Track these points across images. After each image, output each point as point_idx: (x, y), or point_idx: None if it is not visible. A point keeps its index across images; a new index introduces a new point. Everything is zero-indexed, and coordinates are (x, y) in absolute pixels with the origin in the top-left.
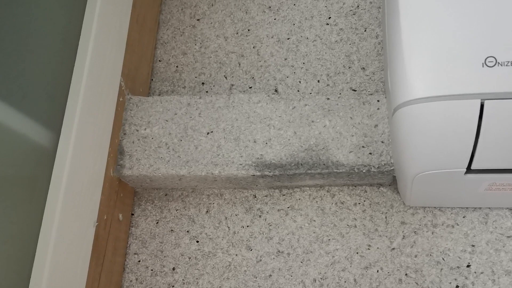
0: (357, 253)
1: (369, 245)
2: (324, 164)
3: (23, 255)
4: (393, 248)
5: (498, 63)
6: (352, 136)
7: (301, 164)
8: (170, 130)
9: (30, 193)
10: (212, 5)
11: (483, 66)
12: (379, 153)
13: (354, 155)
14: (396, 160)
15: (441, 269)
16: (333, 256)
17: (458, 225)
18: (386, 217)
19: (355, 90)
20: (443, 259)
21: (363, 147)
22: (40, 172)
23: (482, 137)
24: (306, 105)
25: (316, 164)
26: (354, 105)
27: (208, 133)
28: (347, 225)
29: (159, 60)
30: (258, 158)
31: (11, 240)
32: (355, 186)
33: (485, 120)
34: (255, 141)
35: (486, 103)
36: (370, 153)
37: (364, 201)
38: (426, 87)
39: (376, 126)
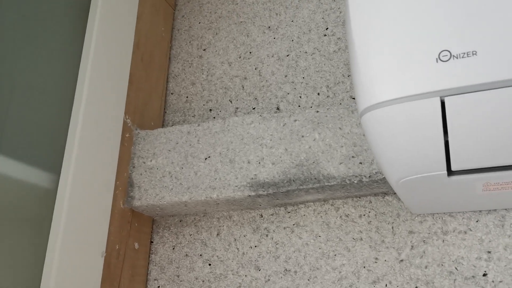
0: (364, 267)
1: (376, 258)
2: (315, 178)
3: (29, 284)
4: (402, 260)
5: (453, 56)
6: (342, 147)
7: (293, 180)
8: (172, 159)
9: (34, 232)
10: (217, 33)
11: (437, 62)
12: (370, 162)
13: (345, 166)
14: (379, 168)
15: (455, 279)
16: (340, 272)
17: (471, 230)
18: (393, 227)
19: (354, 98)
20: (456, 268)
21: (353, 157)
22: (43, 211)
23: (451, 135)
24: (296, 120)
25: (307, 179)
26: (343, 115)
27: (206, 158)
28: (353, 238)
29: (171, 93)
30: (252, 178)
31: (16, 275)
32: (359, 198)
33: (450, 117)
34: (249, 162)
35: (446, 99)
36: (361, 163)
37: (369, 212)
38: (384, 90)
39: (365, 134)
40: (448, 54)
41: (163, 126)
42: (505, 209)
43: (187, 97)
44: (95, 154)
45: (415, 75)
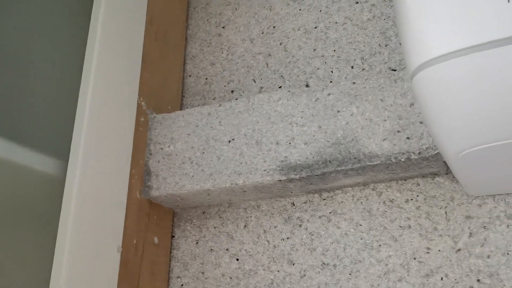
0: (415, 258)
1: (429, 248)
2: (355, 158)
3: (38, 282)
4: (459, 249)
5: None
6: (385, 120)
7: (330, 161)
8: (192, 143)
9: (42, 224)
10: (236, 9)
11: (509, 1)
12: (419, 136)
13: (389, 142)
14: (434, 140)
15: None
16: (386, 265)
17: None
18: (446, 213)
19: (394, 70)
20: None
21: (398, 131)
22: (51, 201)
23: None
24: (329, 94)
25: (346, 159)
26: (384, 85)
27: (229, 141)
28: (400, 226)
29: (189, 75)
30: (282, 161)
31: (25, 268)
32: (405, 180)
33: None
34: (277, 143)
35: None
36: (408, 138)
37: (417, 196)
38: (444, 42)
39: (411, 105)
40: None
41: (181, 109)
42: None
43: (206, 78)
44: (106, 139)
45: (483, 21)
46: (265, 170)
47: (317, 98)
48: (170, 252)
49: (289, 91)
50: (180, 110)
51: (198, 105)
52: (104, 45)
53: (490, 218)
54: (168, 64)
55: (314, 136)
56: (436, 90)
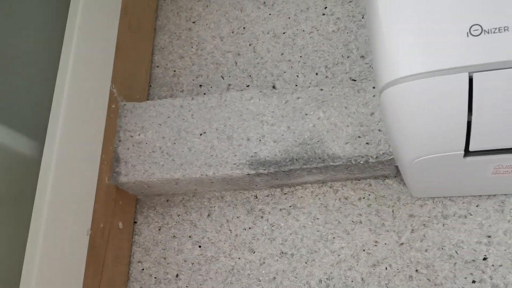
0: (364, 250)
1: (376, 241)
2: (319, 158)
3: (10, 268)
4: (402, 243)
5: (484, 31)
6: (348, 126)
7: (296, 160)
8: (163, 134)
9: (16, 203)
10: (207, 6)
11: (468, 36)
12: (377, 142)
13: (351, 146)
14: (392, 147)
15: (455, 263)
16: (339, 255)
17: (471, 215)
18: (393, 211)
19: (354, 80)
20: (456, 252)
21: (359, 137)
22: (26, 182)
23: (475, 113)
24: (299, 97)
25: (311, 158)
26: (348, 94)
27: (201, 134)
28: (352, 221)
29: (157, 66)
30: (252, 156)
31: None
32: (359, 180)
33: (476, 94)
34: (248, 139)
35: (474, 76)
36: (367, 143)
37: (369, 195)
38: (409, 64)
39: (372, 114)
40: (480, 28)
41: (147, 99)
42: (505, 194)
43: (174, 71)
44: (81, 123)
45: (444, 50)
46: (235, 164)
47: (287, 101)
48: (132, 238)
49: (260, 91)
50: (147, 99)
51: (166, 96)
52: (83, 30)
53: (429, 217)
54: (138, 54)
55: (283, 135)
56: (399, 105)
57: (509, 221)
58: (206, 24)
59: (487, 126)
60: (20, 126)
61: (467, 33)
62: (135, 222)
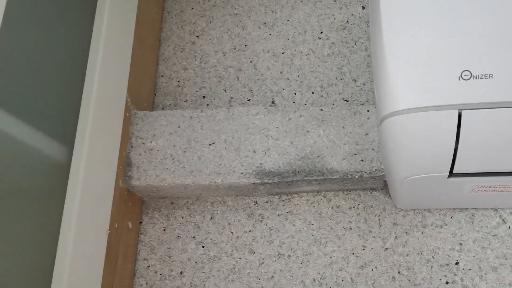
0: (353, 253)
1: (364, 246)
2: (319, 171)
3: (43, 265)
4: (386, 248)
5: (473, 76)
6: (345, 144)
7: (298, 172)
8: (174, 142)
9: (47, 205)
10: (210, 22)
11: (459, 79)
12: (370, 160)
13: (347, 162)
14: (386, 166)
15: (432, 266)
16: (331, 257)
17: (446, 225)
18: (379, 219)
19: (347, 101)
20: (433, 257)
21: (355, 154)
22: (55, 185)
23: (461, 144)
24: (301, 116)
25: (312, 171)
26: (346, 115)
27: (210, 144)
28: (343, 227)
29: (161, 76)
30: (258, 167)
31: (31, 250)
32: (350, 191)
33: (463, 128)
34: (254, 151)
35: (463, 113)
36: (362, 160)
37: (358, 204)
38: (408, 99)
39: (366, 134)
40: (469, 74)
41: (153, 108)
42: (475, 208)
43: (178, 81)
44: (103, 130)
45: (439, 89)
46: (242, 173)
47: (290, 118)
48: (138, 237)
49: (266, 108)
50: (152, 108)
51: (170, 105)
52: (108, 41)
53: (410, 226)
54: (145, 64)
55: (286, 149)
56: (397, 132)
57: (477, 231)
58: (209, 39)
59: (470, 153)
60: (52, 131)
61: (459, 77)
62: (141, 222)
